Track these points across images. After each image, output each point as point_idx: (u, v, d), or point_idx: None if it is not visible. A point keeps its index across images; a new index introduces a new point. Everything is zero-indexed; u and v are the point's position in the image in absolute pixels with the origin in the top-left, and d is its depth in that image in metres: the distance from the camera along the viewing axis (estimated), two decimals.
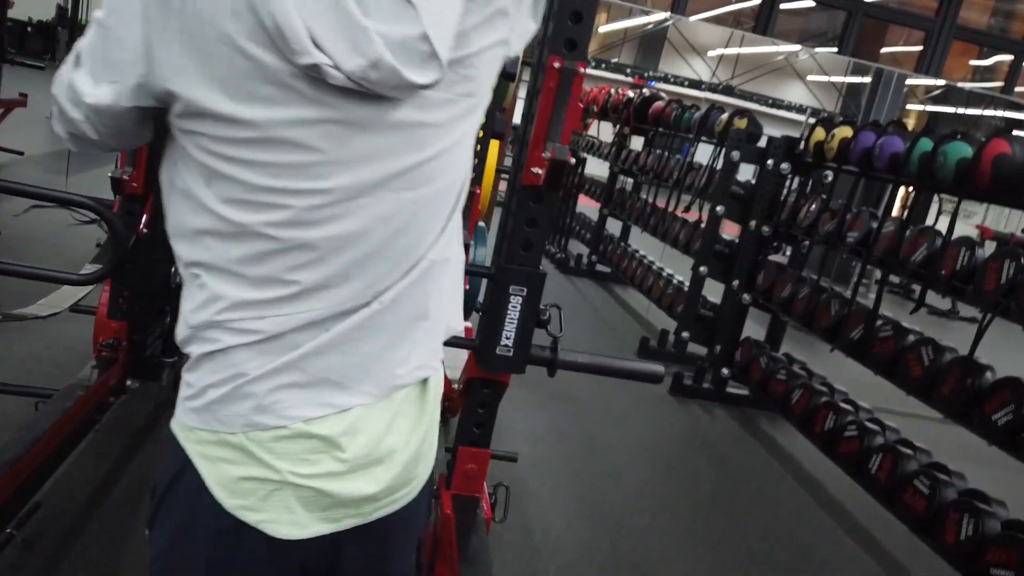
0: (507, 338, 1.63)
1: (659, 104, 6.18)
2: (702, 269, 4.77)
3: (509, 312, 1.62)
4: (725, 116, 5.17)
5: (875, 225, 3.49)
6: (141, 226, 2.62)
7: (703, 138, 5.42)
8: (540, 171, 1.55)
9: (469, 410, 1.84)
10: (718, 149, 5.04)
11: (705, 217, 4.90)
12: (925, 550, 2.85)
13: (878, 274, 4.00)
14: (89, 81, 0.80)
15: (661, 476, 3.55)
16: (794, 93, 21.53)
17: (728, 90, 20.31)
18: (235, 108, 0.73)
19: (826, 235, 3.81)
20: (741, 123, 4.90)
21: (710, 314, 4.87)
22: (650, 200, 6.11)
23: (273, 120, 0.74)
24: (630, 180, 7.03)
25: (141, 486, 2.49)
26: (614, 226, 7.09)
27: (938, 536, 2.73)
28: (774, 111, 20.18)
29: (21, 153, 6.58)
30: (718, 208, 4.69)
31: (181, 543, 0.83)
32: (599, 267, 7.22)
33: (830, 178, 4.16)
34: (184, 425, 0.82)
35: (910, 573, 3.04)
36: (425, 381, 0.90)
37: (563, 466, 3.35)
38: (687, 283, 5.06)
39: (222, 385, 0.79)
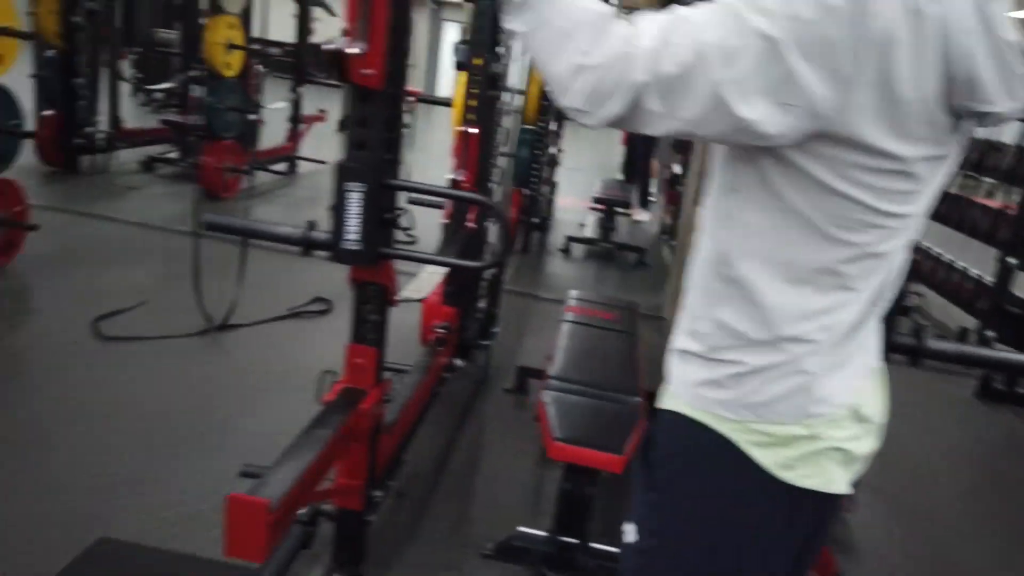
0: None
1: None
2: (1011, 260, 4.31)
3: None
4: None
5: None
6: (469, 223, 2.94)
7: None
8: None
9: None
10: None
11: (1015, 206, 4.42)
12: None
13: None
14: (756, 105, 0.80)
15: (981, 483, 3.28)
16: None
17: None
18: (893, 144, 0.81)
19: None
20: None
21: (1019, 311, 4.38)
22: None
23: (915, 156, 0.83)
24: None
25: (474, 452, 2.80)
26: None
27: None
28: None
29: (324, 163, 7.57)
30: None
31: (717, 504, 0.96)
32: None
33: None
34: (719, 416, 0.94)
35: None
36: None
37: (873, 469, 3.21)
38: (985, 276, 4.59)
39: (782, 382, 0.92)
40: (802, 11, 0.77)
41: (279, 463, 1.52)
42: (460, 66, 2.71)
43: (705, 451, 0.95)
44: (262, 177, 6.65)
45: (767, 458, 0.92)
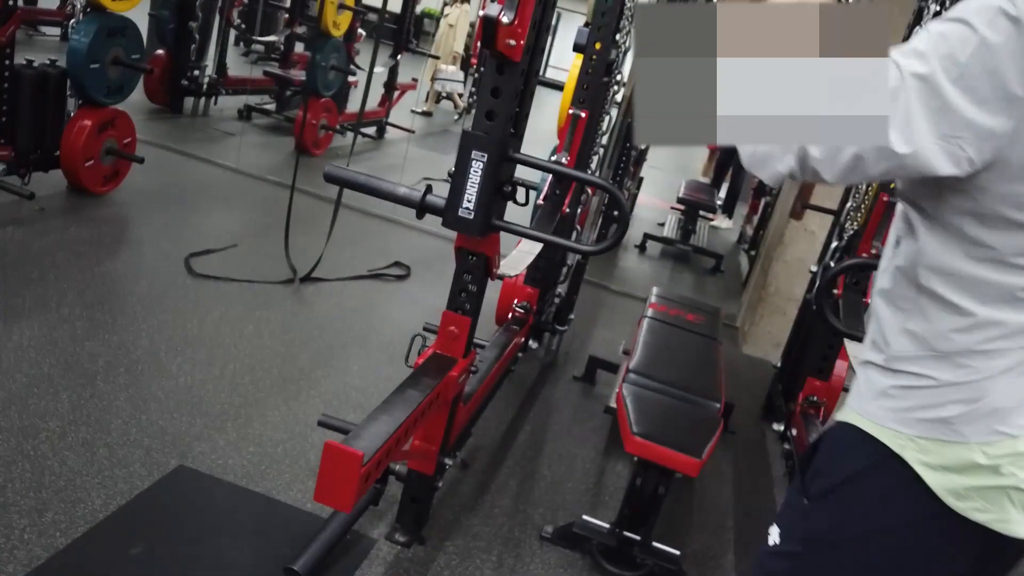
0: None
1: None
2: None
3: None
4: None
5: None
6: (564, 207, 2.93)
7: None
8: None
9: None
10: None
11: None
12: None
13: None
14: (918, 140, 0.80)
15: None
16: None
17: None
18: None
19: None
20: None
21: None
22: None
23: None
24: None
25: (539, 434, 2.81)
26: None
27: None
28: None
29: (413, 132, 7.63)
30: None
31: (873, 520, 0.93)
32: None
33: None
34: (891, 430, 0.91)
35: None
36: None
37: None
38: None
39: (964, 401, 0.88)
40: (957, 52, 0.78)
41: (372, 418, 1.55)
42: (577, 48, 2.69)
43: (870, 463, 0.92)
44: (350, 138, 6.76)
45: (936, 480, 0.88)
